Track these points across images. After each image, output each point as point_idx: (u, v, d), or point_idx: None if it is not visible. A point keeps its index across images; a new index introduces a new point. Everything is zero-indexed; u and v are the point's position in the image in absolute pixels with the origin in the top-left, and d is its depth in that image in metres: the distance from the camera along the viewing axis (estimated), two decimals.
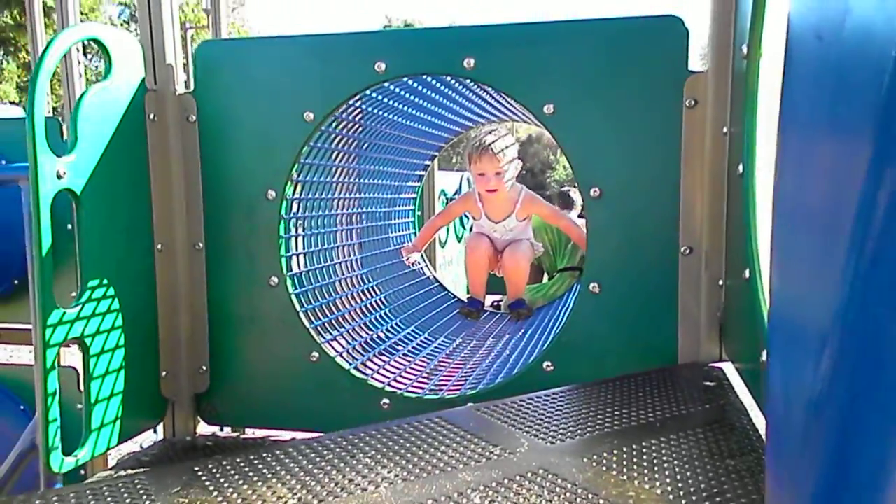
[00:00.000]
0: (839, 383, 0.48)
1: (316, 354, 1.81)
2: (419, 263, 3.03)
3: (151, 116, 1.76)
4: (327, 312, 2.02)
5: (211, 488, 0.98)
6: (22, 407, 3.27)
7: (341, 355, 1.87)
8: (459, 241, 5.11)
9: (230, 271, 1.85)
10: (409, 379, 1.93)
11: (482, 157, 2.60)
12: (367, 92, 1.82)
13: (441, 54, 1.72)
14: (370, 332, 2.20)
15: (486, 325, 2.63)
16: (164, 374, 1.81)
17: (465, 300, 2.93)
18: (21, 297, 3.07)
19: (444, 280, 3.22)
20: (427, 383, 1.90)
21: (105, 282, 1.61)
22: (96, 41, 1.61)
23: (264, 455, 1.09)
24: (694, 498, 0.89)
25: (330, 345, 1.87)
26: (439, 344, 2.35)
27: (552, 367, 1.68)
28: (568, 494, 0.91)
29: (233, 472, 1.03)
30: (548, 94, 1.65)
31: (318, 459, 1.06)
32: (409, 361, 2.09)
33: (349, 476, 0.99)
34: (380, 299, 2.47)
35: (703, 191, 1.56)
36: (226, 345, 1.86)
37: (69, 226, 2.28)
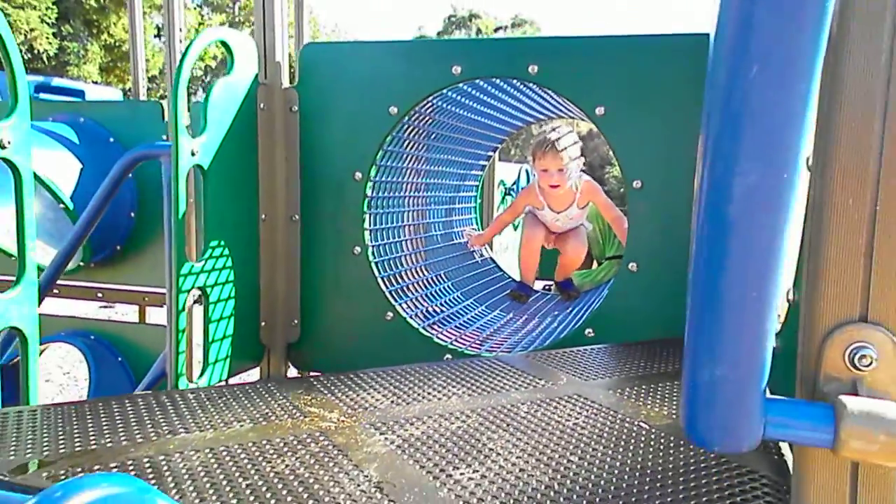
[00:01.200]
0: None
1: (391, 314, 2.13)
2: (474, 239, 3.24)
3: (262, 106, 2.09)
4: (401, 280, 2.33)
5: (326, 392, 1.29)
6: (119, 359, 3.69)
7: (412, 317, 2.17)
8: (515, 230, 5.37)
9: (320, 240, 2.17)
10: (469, 340, 2.22)
11: (546, 154, 2.77)
12: (444, 91, 2.11)
13: (509, 61, 2.00)
14: (435, 300, 2.51)
15: (535, 304, 2.90)
16: (262, 324, 2.15)
17: (517, 283, 3.17)
18: (121, 261, 3.49)
19: (500, 264, 3.50)
20: (484, 345, 2.19)
21: (222, 243, 1.95)
22: (223, 43, 1.94)
23: (362, 375, 1.40)
24: None
25: (402, 307, 2.18)
26: (494, 316, 2.64)
27: (592, 333, 1.96)
28: (594, 411, 1.19)
29: (339, 384, 1.34)
30: (599, 98, 1.92)
31: (403, 379, 1.37)
32: (468, 327, 2.39)
33: (427, 390, 1.29)
34: (443, 273, 2.77)
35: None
36: (315, 302, 2.18)
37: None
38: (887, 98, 0.58)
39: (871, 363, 0.59)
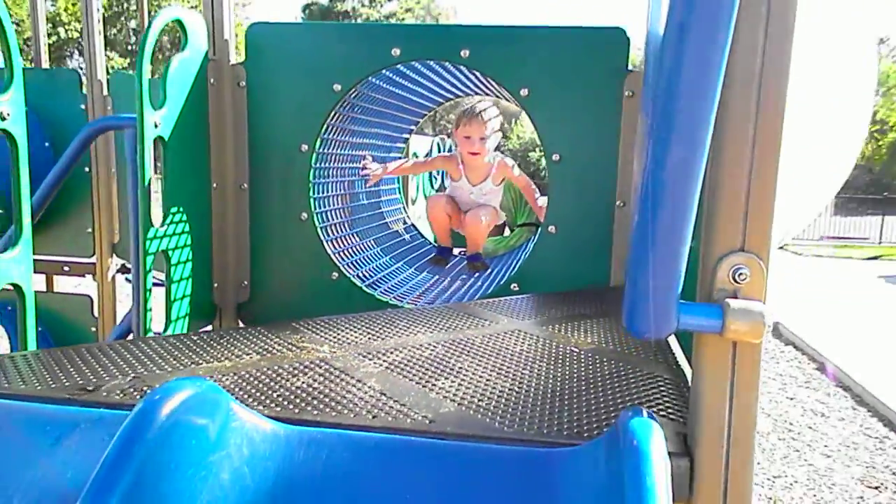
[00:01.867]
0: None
1: (336, 274, 2.34)
2: (373, 171, 3.05)
3: (212, 81, 2.23)
4: (343, 243, 2.54)
5: (310, 332, 1.51)
6: (40, 328, 3.70)
7: (357, 274, 2.40)
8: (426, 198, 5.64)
9: (268, 207, 2.35)
10: (405, 298, 2.47)
11: (471, 122, 2.91)
12: (383, 70, 2.32)
13: (443, 45, 2.23)
14: (368, 264, 2.73)
15: (456, 267, 3.17)
16: (215, 285, 2.31)
17: (436, 248, 3.39)
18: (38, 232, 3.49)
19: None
20: (419, 301, 2.45)
21: (181, 209, 2.10)
22: (178, 21, 2.07)
23: (336, 319, 1.62)
24: (611, 346, 1.46)
25: (345, 268, 2.39)
26: (422, 277, 2.89)
27: (517, 287, 2.25)
28: (533, 341, 1.47)
29: (318, 327, 1.56)
30: (524, 80, 2.19)
31: (371, 322, 1.60)
32: (401, 288, 2.63)
33: (395, 330, 1.53)
34: (372, 239, 2.99)
35: (635, 159, 2.12)
36: (263, 265, 2.36)
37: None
38: (759, 97, 0.87)
39: (745, 278, 0.88)
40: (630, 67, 2.12)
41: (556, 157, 2.19)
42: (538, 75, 2.17)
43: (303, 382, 1.16)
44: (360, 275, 2.50)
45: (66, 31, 30.98)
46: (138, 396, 1.12)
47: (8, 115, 1.46)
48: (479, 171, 3.15)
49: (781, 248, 17.88)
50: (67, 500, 0.93)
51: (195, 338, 1.47)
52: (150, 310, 1.98)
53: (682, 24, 0.70)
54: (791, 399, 6.22)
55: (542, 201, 3.01)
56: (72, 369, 1.26)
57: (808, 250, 17.19)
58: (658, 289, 0.84)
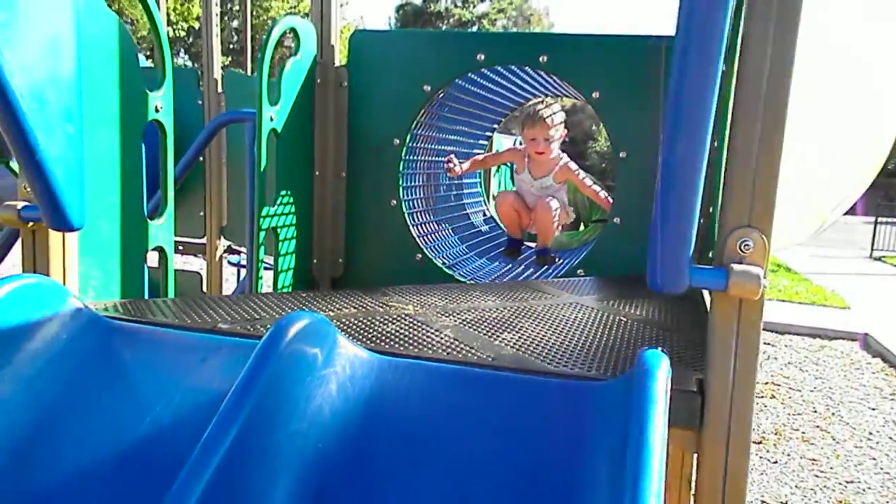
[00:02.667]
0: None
1: (419, 256, 2.62)
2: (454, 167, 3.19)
3: (318, 81, 2.55)
4: (427, 229, 2.82)
5: (397, 296, 1.78)
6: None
7: (438, 257, 2.67)
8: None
9: (362, 193, 2.65)
10: (482, 279, 2.72)
11: (535, 124, 3.08)
12: (469, 74, 2.58)
13: (524, 51, 2.47)
14: (445, 251, 3.00)
15: (528, 260, 3.39)
16: (314, 261, 2.63)
17: (508, 240, 3.55)
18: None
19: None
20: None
21: (288, 192, 2.42)
22: (293, 29, 2.39)
23: (419, 287, 1.90)
24: (656, 318, 1.66)
25: (428, 251, 2.67)
26: (496, 265, 3.13)
27: (583, 273, 2.46)
28: (586, 311, 1.69)
29: (404, 293, 1.84)
30: (595, 84, 2.40)
31: (448, 291, 1.87)
32: (477, 273, 2.88)
33: (469, 297, 1.79)
34: (451, 228, 3.26)
35: None
36: (356, 244, 2.67)
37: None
38: (764, 100, 1.07)
39: (749, 248, 1.08)
40: None
41: (623, 154, 2.39)
42: (608, 79, 2.38)
43: (391, 330, 1.43)
44: (441, 258, 2.77)
45: (174, 30, 32.73)
46: (263, 330, 1.41)
47: (160, 108, 1.79)
48: (543, 166, 3.28)
49: (878, 259, 17.09)
50: (215, 401, 1.23)
51: (303, 295, 1.76)
52: (262, 277, 2.31)
53: (685, 49, 0.92)
54: (873, 410, 6.11)
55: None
56: (207, 312, 1.57)
57: None
58: (671, 252, 1.06)
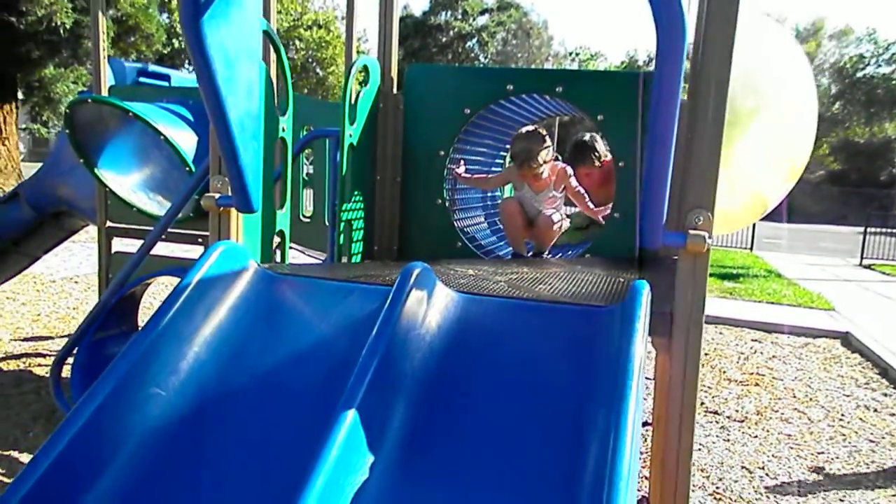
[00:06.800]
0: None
1: (460, 244, 3.28)
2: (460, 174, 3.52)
3: (380, 105, 3.22)
4: (465, 223, 3.49)
5: (459, 266, 2.44)
6: None
7: (474, 245, 3.34)
8: None
9: (414, 194, 3.31)
10: None
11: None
12: (500, 100, 3.26)
13: (544, 83, 3.15)
14: (483, 239, 3.67)
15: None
16: (375, 248, 3.30)
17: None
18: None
19: None
20: None
21: (358, 193, 3.08)
22: (365, 66, 3.07)
23: (472, 261, 2.56)
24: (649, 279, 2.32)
25: (466, 240, 3.33)
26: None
27: (590, 257, 3.13)
28: (595, 275, 2.35)
29: (464, 263, 2.50)
30: (601, 108, 3.08)
31: (489, 263, 2.53)
32: (507, 255, 3.55)
33: (512, 266, 2.45)
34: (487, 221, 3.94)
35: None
36: (409, 235, 3.33)
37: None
38: (710, 122, 1.74)
39: (700, 221, 1.75)
40: None
41: (622, 163, 3.06)
42: (610, 105, 3.05)
43: (463, 282, 2.09)
44: (476, 245, 3.44)
45: (180, 41, 33.45)
46: (379, 280, 2.08)
47: (285, 128, 2.46)
48: (541, 182, 3.47)
49: (868, 267, 17.76)
50: (355, 327, 1.87)
51: (388, 261, 2.42)
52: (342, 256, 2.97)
53: (658, 89, 1.59)
54: (847, 396, 6.76)
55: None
56: (334, 272, 2.23)
57: None
58: (653, 223, 1.73)
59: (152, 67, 5.74)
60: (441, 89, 3.24)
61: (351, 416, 1.38)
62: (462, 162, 3.75)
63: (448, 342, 1.75)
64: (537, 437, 1.53)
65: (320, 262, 4.42)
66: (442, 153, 3.25)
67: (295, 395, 1.69)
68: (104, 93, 4.84)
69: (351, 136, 2.94)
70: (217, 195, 2.05)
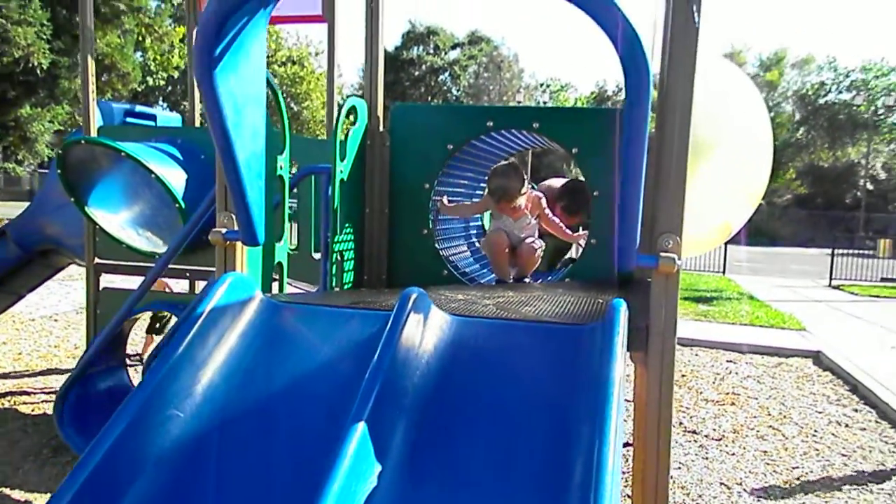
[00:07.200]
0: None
1: (445, 272, 3.45)
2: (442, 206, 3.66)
3: (368, 142, 3.40)
4: (451, 252, 3.66)
5: (450, 291, 2.60)
6: None
7: (459, 272, 3.50)
8: None
9: (402, 225, 3.48)
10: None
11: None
12: (481, 135, 3.45)
13: (521, 119, 3.35)
14: (466, 266, 3.84)
15: None
16: (365, 277, 3.45)
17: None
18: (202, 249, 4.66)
19: None
20: None
21: (348, 225, 3.24)
22: (353, 106, 3.24)
23: (461, 287, 2.72)
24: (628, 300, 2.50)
25: (451, 268, 3.50)
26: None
27: (570, 279, 3.31)
28: (574, 297, 2.53)
29: (452, 289, 2.66)
30: (575, 142, 3.28)
31: (479, 288, 2.69)
32: (490, 282, 3.71)
33: (497, 291, 2.61)
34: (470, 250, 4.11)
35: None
36: (397, 263, 3.49)
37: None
38: (675, 158, 1.93)
39: (669, 244, 1.93)
40: None
41: (596, 193, 3.26)
42: (584, 139, 3.26)
43: (454, 306, 2.25)
44: (461, 273, 3.60)
45: (154, 79, 33.59)
46: (377, 306, 2.23)
47: (282, 166, 2.62)
48: (519, 212, 3.60)
49: (836, 287, 18.20)
50: (355, 352, 2.01)
51: (382, 289, 2.58)
52: (335, 287, 3.12)
53: (629, 123, 1.78)
54: (820, 413, 6.98)
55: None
56: (333, 299, 2.38)
57: (866, 291, 17.52)
58: (627, 247, 1.91)
59: (139, 108, 5.89)
60: (425, 127, 3.42)
61: (360, 429, 1.52)
62: (444, 197, 3.94)
63: (443, 361, 1.90)
64: (527, 449, 1.68)
65: (308, 292, 4.55)
66: (427, 186, 3.43)
67: (303, 413, 1.83)
68: (93, 133, 4.97)
69: (342, 171, 3.10)
70: (224, 230, 2.20)
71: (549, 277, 3.93)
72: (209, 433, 1.77)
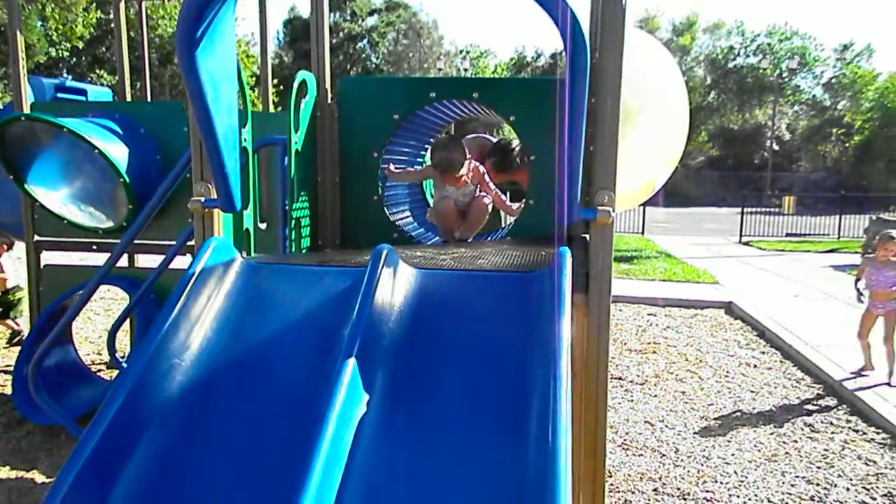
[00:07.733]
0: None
1: (395, 234, 3.69)
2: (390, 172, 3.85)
3: (318, 114, 3.58)
4: (398, 217, 3.90)
5: (407, 249, 2.86)
6: (153, 296, 4.96)
7: (407, 235, 3.76)
8: None
9: (353, 192, 3.69)
10: None
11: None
12: (425, 106, 3.68)
13: (462, 90, 3.60)
14: (415, 230, 4.08)
15: None
16: (319, 242, 3.65)
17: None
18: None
19: None
20: None
21: (303, 193, 3.44)
22: (304, 80, 3.42)
23: (409, 246, 2.98)
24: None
25: (401, 231, 3.74)
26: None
27: (511, 237, 3.61)
28: (523, 251, 2.82)
29: (410, 247, 2.91)
30: (512, 110, 3.56)
31: (437, 247, 2.95)
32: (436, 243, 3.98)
33: (450, 249, 2.88)
34: (415, 214, 4.36)
35: None
36: (349, 228, 3.71)
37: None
38: (605, 114, 2.23)
39: (606, 199, 2.23)
40: None
41: (532, 157, 3.56)
42: (520, 107, 3.54)
43: (416, 261, 2.51)
44: (410, 235, 3.86)
45: (58, 50, 31.92)
46: (348, 263, 2.44)
47: (245, 139, 2.79)
48: (461, 181, 3.80)
49: (746, 243, 19.31)
50: (332, 306, 2.24)
51: (347, 249, 2.81)
52: (294, 251, 3.32)
53: (571, 93, 2.06)
54: (731, 356, 7.62)
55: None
56: (305, 259, 2.59)
57: (773, 246, 18.68)
58: (570, 201, 2.20)
59: (69, 83, 5.81)
60: (372, 98, 3.63)
61: (351, 364, 1.77)
62: (390, 164, 4.19)
63: (413, 308, 2.16)
64: (491, 380, 1.95)
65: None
66: (375, 155, 3.64)
67: (293, 356, 2.06)
68: (26, 109, 4.94)
69: (296, 142, 3.29)
70: (202, 198, 2.38)
71: (489, 237, 4.22)
72: (210, 378, 1.99)
